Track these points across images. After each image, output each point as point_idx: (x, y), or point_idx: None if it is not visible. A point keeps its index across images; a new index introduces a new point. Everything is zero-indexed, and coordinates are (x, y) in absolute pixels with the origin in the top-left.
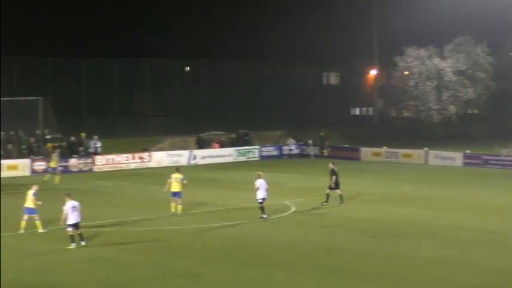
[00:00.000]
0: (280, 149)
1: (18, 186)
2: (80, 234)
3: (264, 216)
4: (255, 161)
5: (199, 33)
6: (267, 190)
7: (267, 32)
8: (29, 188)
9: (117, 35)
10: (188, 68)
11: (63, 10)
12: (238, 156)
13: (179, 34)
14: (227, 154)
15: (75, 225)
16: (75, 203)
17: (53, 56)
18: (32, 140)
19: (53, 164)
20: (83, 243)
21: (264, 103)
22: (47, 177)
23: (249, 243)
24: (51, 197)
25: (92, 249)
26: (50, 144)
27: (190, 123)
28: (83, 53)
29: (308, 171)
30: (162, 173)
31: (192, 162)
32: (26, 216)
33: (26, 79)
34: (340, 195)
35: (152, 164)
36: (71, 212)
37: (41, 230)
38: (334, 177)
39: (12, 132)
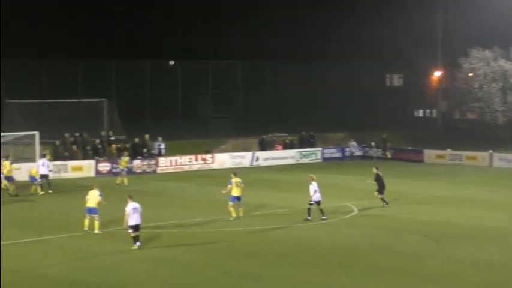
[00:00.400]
0: (342, 151)
1: (83, 187)
2: (137, 236)
3: (309, 218)
4: (317, 162)
5: (260, 36)
6: (319, 192)
7: (330, 34)
8: (91, 188)
9: (181, 38)
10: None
11: (128, 12)
12: (301, 158)
13: (241, 36)
14: (289, 156)
15: (135, 227)
16: (137, 205)
17: (118, 58)
18: (97, 141)
19: (122, 166)
20: (138, 244)
21: (326, 105)
22: (119, 179)
23: (310, 245)
24: (119, 198)
25: (155, 250)
26: (114, 146)
27: (253, 125)
28: (147, 55)
29: (370, 173)
30: (225, 175)
31: (255, 164)
32: (88, 216)
33: (91, 81)
34: (382, 199)
35: (215, 166)
36: (132, 213)
37: (97, 231)
38: (379, 182)
39: (77, 134)
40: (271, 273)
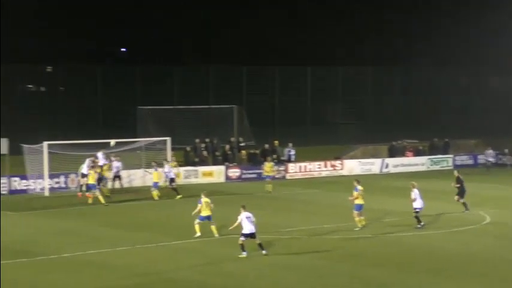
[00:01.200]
0: (475, 158)
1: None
2: (259, 244)
3: (421, 224)
4: (448, 170)
5: (391, 41)
6: (422, 199)
7: (462, 39)
8: (200, 196)
9: (311, 44)
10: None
11: (254, 17)
12: (432, 165)
13: (371, 42)
14: (420, 163)
15: (250, 235)
16: (249, 214)
17: (247, 64)
18: (227, 147)
19: (267, 172)
20: (264, 252)
21: (458, 111)
22: (269, 187)
23: (439, 254)
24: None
25: (282, 257)
26: (244, 152)
27: (382, 131)
28: (276, 61)
29: (504, 181)
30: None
31: (384, 170)
32: (201, 222)
33: (222, 88)
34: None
35: (344, 172)
36: (246, 222)
37: (216, 235)
38: (458, 185)
39: (207, 140)
40: (399, 281)
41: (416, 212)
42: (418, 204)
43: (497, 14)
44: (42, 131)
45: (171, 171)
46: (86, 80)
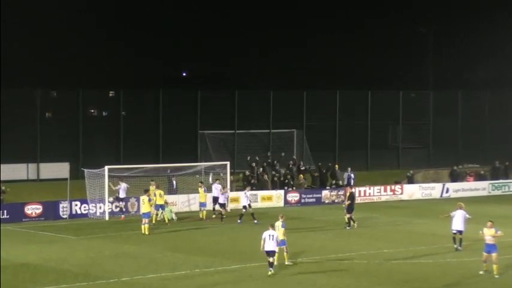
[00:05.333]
0: None
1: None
2: (271, 263)
3: (455, 246)
4: (510, 195)
5: (452, 65)
6: (465, 221)
7: None
8: (277, 220)
9: (369, 68)
10: None
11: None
12: (493, 190)
13: (433, 65)
14: (481, 188)
15: (271, 253)
16: (273, 233)
17: (309, 88)
18: (287, 171)
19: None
20: (271, 269)
21: None
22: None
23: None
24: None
25: (342, 280)
26: (302, 176)
27: (443, 156)
28: (336, 85)
29: None
30: (415, 206)
31: (445, 195)
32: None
33: (282, 112)
34: None
35: (404, 197)
36: (268, 240)
37: (287, 262)
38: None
39: (265, 163)
40: None
41: (454, 233)
42: (455, 226)
43: None
44: (104, 156)
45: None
46: (147, 105)
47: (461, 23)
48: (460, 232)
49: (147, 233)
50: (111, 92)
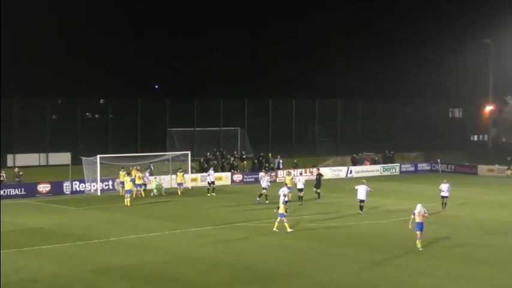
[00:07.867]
0: (415, 166)
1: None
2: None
3: (361, 212)
4: (395, 175)
5: (351, 80)
6: (367, 193)
7: (411, 77)
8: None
9: (289, 80)
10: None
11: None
12: (384, 171)
13: (342, 77)
14: (375, 170)
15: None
16: (286, 190)
17: (250, 97)
18: (232, 158)
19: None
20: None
21: (404, 131)
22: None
23: (389, 236)
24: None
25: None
26: (244, 162)
27: (348, 147)
28: (269, 94)
29: (436, 181)
30: (327, 183)
31: (349, 175)
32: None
33: (229, 115)
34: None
35: None
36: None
37: (289, 230)
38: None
39: (218, 153)
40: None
41: (359, 202)
42: (361, 196)
43: (428, 57)
44: (96, 147)
45: (212, 175)
46: (129, 110)
47: (360, 49)
48: (363, 201)
49: (129, 204)
50: (101, 100)
